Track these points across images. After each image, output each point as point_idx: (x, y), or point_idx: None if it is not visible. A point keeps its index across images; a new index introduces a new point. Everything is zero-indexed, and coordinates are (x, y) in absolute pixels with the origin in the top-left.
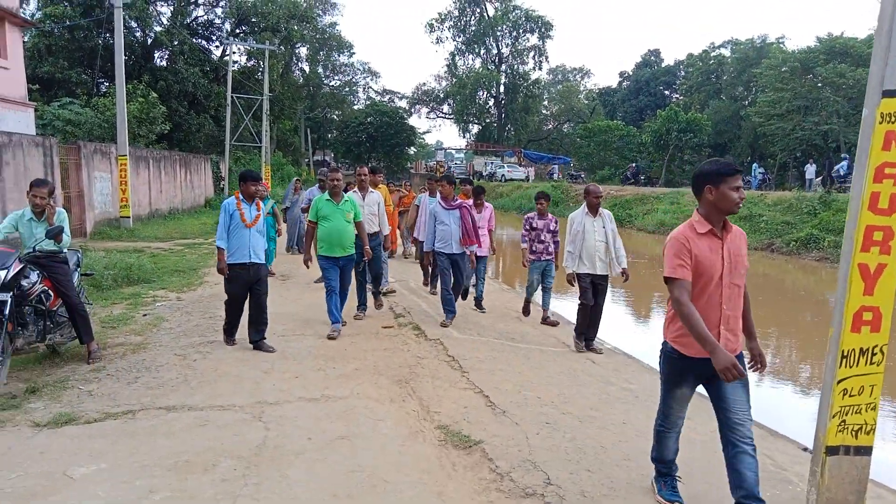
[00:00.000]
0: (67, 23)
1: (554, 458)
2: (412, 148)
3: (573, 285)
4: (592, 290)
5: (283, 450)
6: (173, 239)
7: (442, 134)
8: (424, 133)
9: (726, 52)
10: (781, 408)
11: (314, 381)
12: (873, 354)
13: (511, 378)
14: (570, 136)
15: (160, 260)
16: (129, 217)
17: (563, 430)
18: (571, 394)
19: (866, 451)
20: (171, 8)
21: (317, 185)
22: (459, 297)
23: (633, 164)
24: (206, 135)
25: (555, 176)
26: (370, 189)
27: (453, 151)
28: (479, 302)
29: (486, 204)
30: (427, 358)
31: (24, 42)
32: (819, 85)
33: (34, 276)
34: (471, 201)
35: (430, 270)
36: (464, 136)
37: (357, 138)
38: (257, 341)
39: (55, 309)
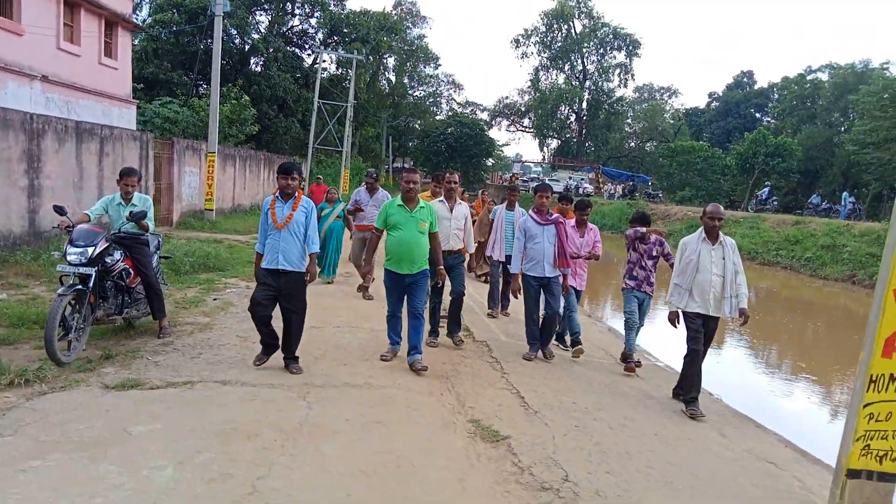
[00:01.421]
0: (174, 28)
1: (576, 458)
2: (490, 160)
3: (676, 326)
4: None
5: (322, 427)
6: (251, 233)
7: (521, 147)
8: (503, 146)
9: (824, 77)
10: (820, 430)
11: (360, 369)
12: None
13: (550, 383)
14: (651, 154)
15: (236, 251)
16: (212, 210)
17: (591, 433)
18: (608, 402)
19: (891, 477)
20: (270, 17)
21: (363, 185)
22: (554, 341)
23: (631, 182)
24: (292, 137)
25: (579, 189)
26: (458, 200)
27: (531, 164)
28: (575, 341)
29: (591, 225)
30: (471, 358)
31: (133, 45)
32: None
33: (117, 255)
34: (573, 220)
35: (499, 294)
36: (542, 150)
37: (437, 147)
38: (286, 360)
39: (134, 286)
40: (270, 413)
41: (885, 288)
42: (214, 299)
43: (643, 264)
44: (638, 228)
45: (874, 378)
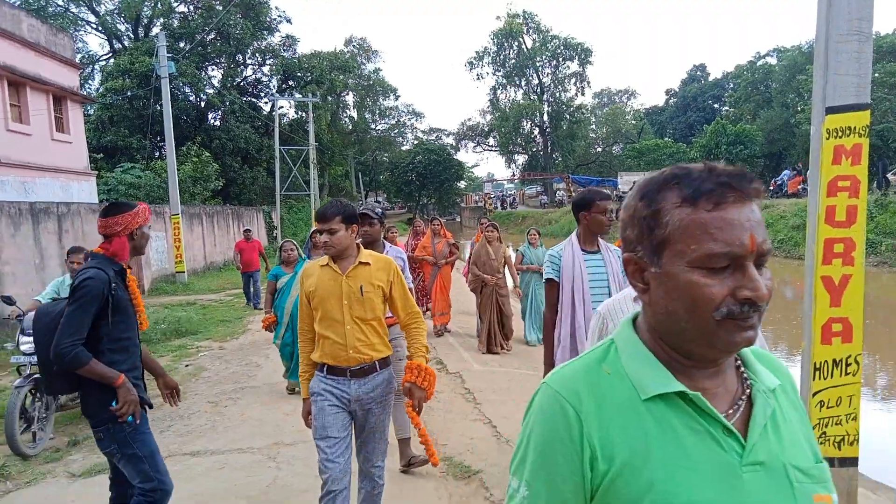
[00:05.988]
0: (129, 94)
1: None
2: (462, 182)
3: None
4: None
5: (290, 489)
6: (225, 290)
7: (490, 166)
8: (473, 167)
9: (773, 61)
10: None
11: None
12: (847, 365)
13: (523, 407)
14: (619, 157)
15: (209, 311)
16: (183, 272)
17: None
18: None
19: (852, 462)
20: (222, 71)
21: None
22: None
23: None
24: (260, 186)
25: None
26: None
27: (504, 182)
28: None
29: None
30: (444, 392)
31: (88, 115)
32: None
33: None
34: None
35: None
36: (510, 167)
37: (407, 178)
38: None
39: None
40: (239, 480)
41: (814, 276)
42: (186, 366)
43: None
44: None
45: (818, 366)
